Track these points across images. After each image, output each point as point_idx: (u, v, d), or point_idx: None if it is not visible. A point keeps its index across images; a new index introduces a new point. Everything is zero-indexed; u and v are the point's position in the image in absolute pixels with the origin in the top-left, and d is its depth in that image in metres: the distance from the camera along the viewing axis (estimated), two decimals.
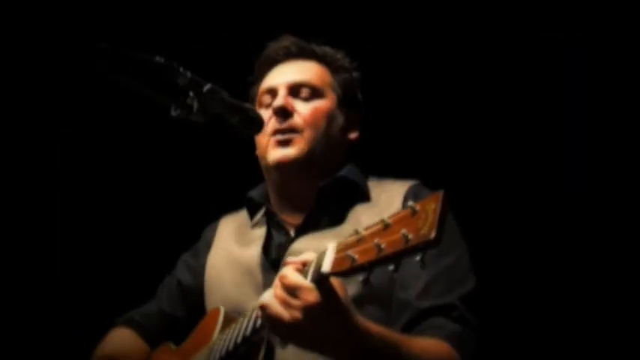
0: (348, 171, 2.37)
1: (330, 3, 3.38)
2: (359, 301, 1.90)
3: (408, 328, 2.06)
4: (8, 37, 3.30)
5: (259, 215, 2.47)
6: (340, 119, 2.43)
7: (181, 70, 1.78)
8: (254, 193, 2.47)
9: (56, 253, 3.49)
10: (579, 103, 3.18)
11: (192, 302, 2.50)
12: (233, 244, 2.43)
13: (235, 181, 2.95)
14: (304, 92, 2.39)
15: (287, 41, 2.48)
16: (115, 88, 3.11)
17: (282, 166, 2.30)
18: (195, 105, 1.79)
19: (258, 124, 1.89)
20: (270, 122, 2.34)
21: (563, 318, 3.16)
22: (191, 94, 1.80)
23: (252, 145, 2.52)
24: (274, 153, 2.31)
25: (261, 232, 2.39)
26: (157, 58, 1.76)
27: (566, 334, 3.14)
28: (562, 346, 3.14)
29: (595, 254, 3.14)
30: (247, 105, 1.94)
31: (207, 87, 1.81)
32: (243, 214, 2.52)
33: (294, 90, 2.39)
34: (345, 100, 2.46)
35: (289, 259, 1.78)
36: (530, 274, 3.20)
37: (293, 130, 2.32)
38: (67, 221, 3.54)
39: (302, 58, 2.47)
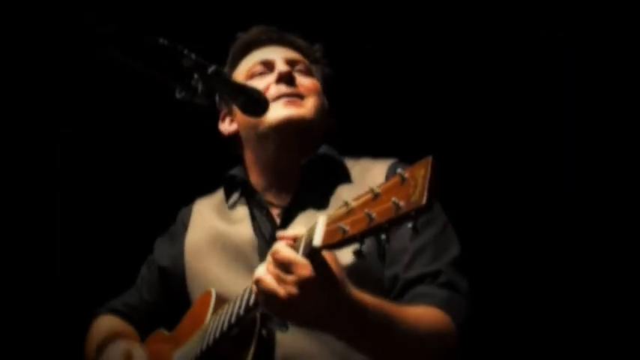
0: (327, 149, 2.35)
1: None
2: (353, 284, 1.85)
3: (398, 299, 2.04)
4: (8, 36, 3.30)
5: (236, 196, 2.42)
6: (326, 102, 2.45)
7: (186, 52, 1.79)
8: (235, 172, 2.42)
9: (56, 250, 3.48)
10: (579, 103, 3.19)
11: (174, 287, 2.43)
12: (218, 222, 2.37)
13: (204, 167, 2.97)
14: (300, 66, 2.42)
15: (265, 28, 2.49)
16: (115, 83, 3.22)
17: (291, 123, 2.26)
18: (200, 87, 1.80)
19: (262, 105, 1.90)
20: (272, 88, 2.32)
21: (562, 317, 3.16)
22: (195, 76, 1.81)
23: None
24: (282, 111, 2.26)
25: (244, 212, 2.34)
26: (161, 40, 1.77)
27: (566, 333, 3.14)
28: (562, 345, 3.14)
29: (595, 254, 3.15)
30: (251, 87, 1.95)
31: (211, 69, 1.81)
32: (218, 196, 2.47)
33: (291, 64, 2.40)
34: (323, 89, 2.47)
35: (280, 233, 1.76)
36: (530, 274, 3.21)
37: (299, 95, 2.32)
38: (67, 220, 3.54)
39: (283, 45, 2.48)
